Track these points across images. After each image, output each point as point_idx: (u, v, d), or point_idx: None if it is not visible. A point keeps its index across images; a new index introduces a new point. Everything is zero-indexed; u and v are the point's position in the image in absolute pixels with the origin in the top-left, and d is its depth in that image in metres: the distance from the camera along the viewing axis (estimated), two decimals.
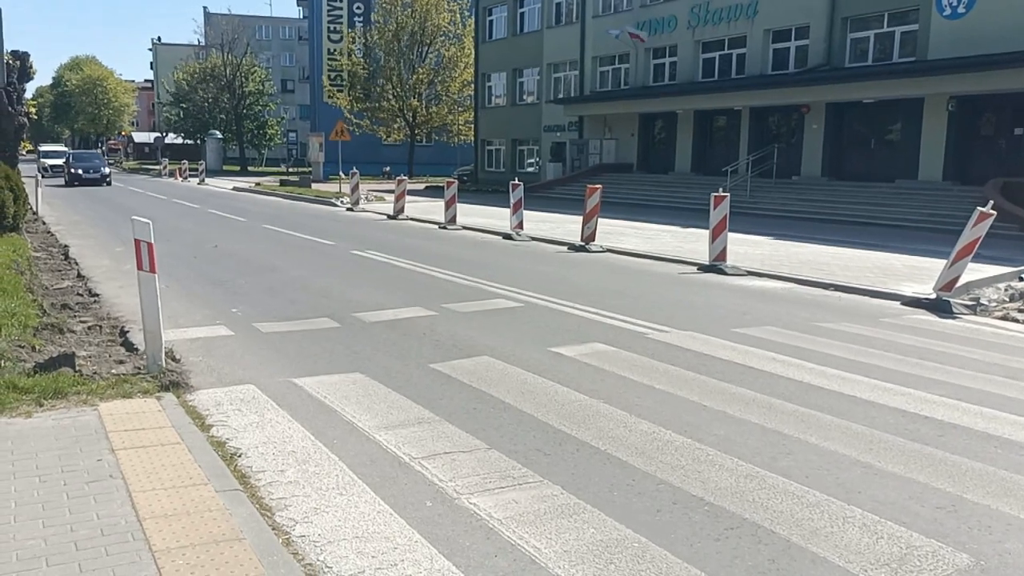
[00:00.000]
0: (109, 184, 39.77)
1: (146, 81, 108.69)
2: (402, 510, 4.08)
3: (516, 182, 18.03)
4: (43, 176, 41.81)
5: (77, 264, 12.46)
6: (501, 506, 4.11)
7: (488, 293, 10.36)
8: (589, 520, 3.96)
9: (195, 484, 4.22)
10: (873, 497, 4.24)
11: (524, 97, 40.58)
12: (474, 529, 3.87)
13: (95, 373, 6.07)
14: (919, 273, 12.35)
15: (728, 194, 13.23)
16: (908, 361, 7.16)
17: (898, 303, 10.24)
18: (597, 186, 15.74)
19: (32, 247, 13.76)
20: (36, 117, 80.00)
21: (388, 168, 49.18)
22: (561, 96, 36.62)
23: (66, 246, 14.54)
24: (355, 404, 5.80)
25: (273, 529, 3.82)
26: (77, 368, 6.10)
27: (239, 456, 4.78)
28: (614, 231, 17.81)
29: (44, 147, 61.48)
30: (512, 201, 17.62)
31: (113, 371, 6.21)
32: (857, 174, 24.97)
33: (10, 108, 15.89)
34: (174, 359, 6.68)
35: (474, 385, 6.29)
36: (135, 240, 6.32)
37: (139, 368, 6.30)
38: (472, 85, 44.84)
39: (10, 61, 16.44)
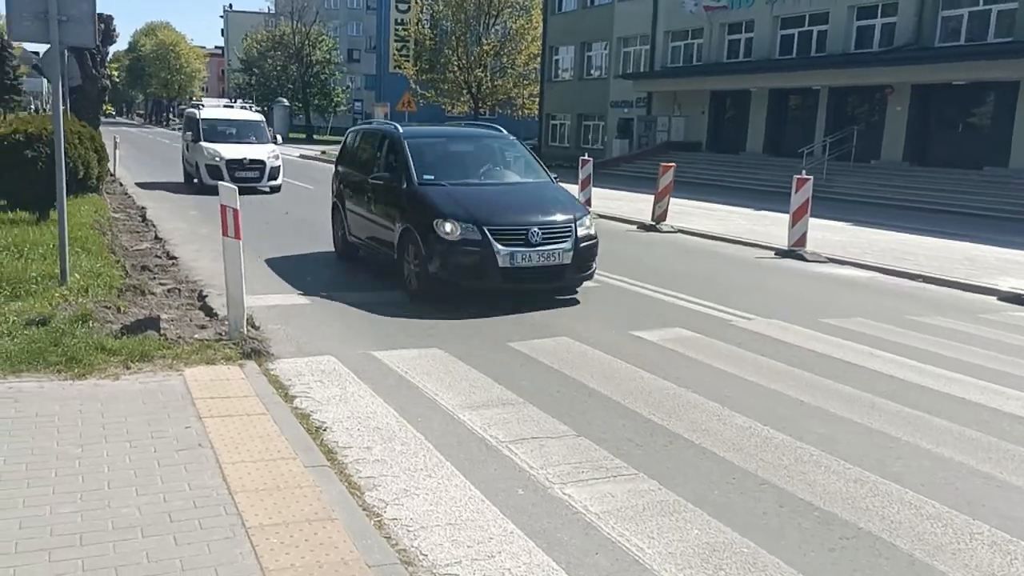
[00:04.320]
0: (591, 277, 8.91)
1: (216, 48, 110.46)
2: (494, 497, 3.93)
3: (586, 158, 17.69)
4: (202, 179, 18.21)
5: (155, 226, 12.65)
6: (597, 499, 3.93)
7: None
8: (691, 520, 3.76)
9: (283, 458, 4.15)
10: (999, 511, 3.93)
11: (591, 72, 39.90)
12: (571, 522, 3.71)
13: (179, 337, 6.08)
14: (1014, 267, 11.70)
15: (811, 177, 12.70)
16: (1018, 363, 6.71)
17: (995, 298, 9.68)
18: (671, 164, 15.31)
19: (111, 208, 14.05)
20: (117, 81, 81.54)
21: None
22: (630, 71, 35.87)
23: (143, 208, 14.80)
24: (436, 381, 5.68)
25: (364, 510, 3.72)
26: (161, 332, 6.12)
27: (324, 430, 4.71)
28: (683, 211, 17.33)
29: (210, 108, 22.88)
30: (580, 178, 17.30)
31: (196, 336, 6.21)
32: (942, 160, 23.85)
33: (93, 71, 16.18)
34: (254, 326, 6.65)
35: (555, 367, 6.12)
36: (221, 205, 6.29)
37: (221, 334, 6.29)
38: (538, 58, 44.27)
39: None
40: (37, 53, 25.49)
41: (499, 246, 7.67)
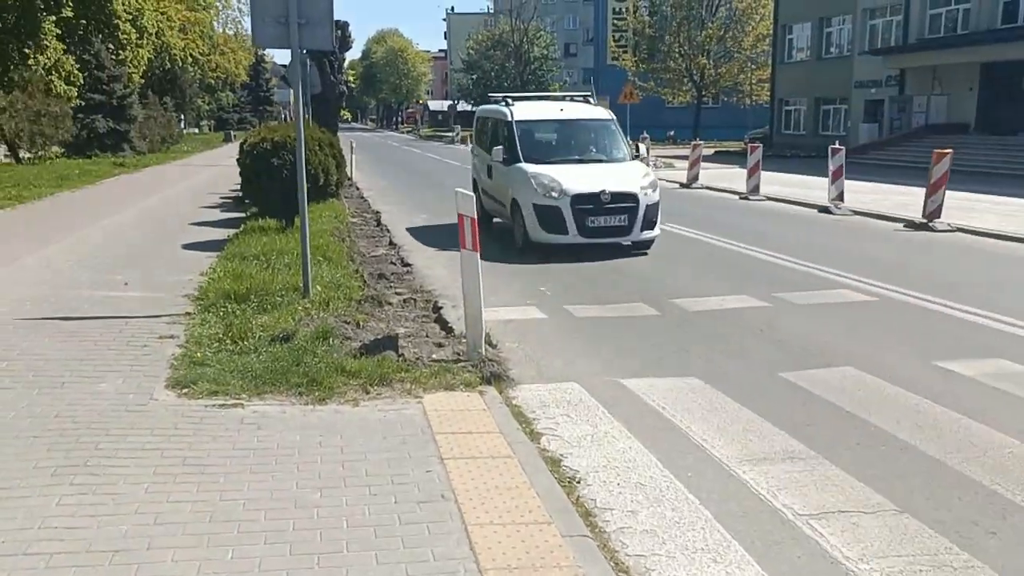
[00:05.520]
0: None
1: (440, 51, 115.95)
2: None
3: (837, 146, 15.88)
4: (527, 233, 10.32)
5: (389, 231, 12.81)
6: None
7: (823, 281, 8.80)
8: None
9: (536, 522, 3.50)
10: None
11: (831, 50, 36.47)
12: None
13: (417, 359, 5.70)
14: None
15: None
16: None
17: None
18: (947, 151, 13.17)
19: (349, 212, 14.53)
20: (354, 87, 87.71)
21: (672, 132, 47.36)
22: (879, 46, 32.26)
23: (378, 212, 15.17)
24: (701, 421, 4.81)
25: None
26: (400, 352, 5.78)
27: (578, 483, 4.02)
28: (955, 205, 14.80)
29: (524, 105, 12.07)
30: (831, 168, 15.49)
31: (433, 356, 5.81)
32: None
33: (332, 77, 16.90)
34: (491, 344, 6.17)
35: (846, 408, 5.00)
36: (459, 215, 5.85)
37: (458, 354, 5.85)
38: (768, 39, 41.39)
39: None
40: (285, 66, 27.79)
41: None
